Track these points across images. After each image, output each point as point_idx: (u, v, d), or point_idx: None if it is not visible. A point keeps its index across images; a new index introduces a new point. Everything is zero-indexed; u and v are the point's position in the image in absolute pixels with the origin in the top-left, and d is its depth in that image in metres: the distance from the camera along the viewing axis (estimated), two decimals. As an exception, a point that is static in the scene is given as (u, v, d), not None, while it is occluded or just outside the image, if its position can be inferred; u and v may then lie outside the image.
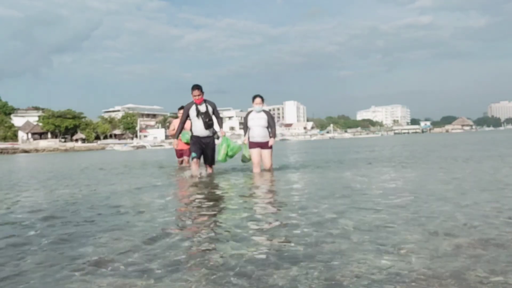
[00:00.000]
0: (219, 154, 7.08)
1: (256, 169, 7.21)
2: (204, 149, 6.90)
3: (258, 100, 7.27)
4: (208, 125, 6.79)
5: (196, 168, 6.72)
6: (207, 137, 6.92)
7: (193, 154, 6.78)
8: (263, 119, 7.25)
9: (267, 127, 7.28)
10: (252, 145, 7.29)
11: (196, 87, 6.71)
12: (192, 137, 6.91)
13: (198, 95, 6.72)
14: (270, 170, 7.23)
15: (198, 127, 6.85)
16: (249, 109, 7.53)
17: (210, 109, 6.84)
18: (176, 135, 7.31)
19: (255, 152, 7.25)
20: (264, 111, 7.33)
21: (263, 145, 7.24)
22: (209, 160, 7.09)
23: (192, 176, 6.58)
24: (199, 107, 6.78)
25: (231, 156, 7.26)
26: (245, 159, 7.60)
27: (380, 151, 14.40)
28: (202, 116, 6.76)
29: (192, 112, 6.82)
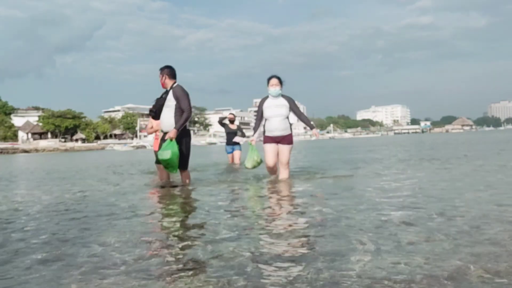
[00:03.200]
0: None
1: (271, 170, 5.79)
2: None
3: (274, 81, 5.64)
4: (150, 112, 5.53)
5: (162, 174, 5.62)
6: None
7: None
8: (283, 107, 5.62)
9: (288, 118, 5.71)
10: (267, 139, 5.71)
11: (160, 68, 5.45)
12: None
13: (160, 78, 5.42)
14: (287, 169, 5.81)
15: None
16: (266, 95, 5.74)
17: (171, 99, 5.30)
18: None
19: (270, 149, 5.67)
20: (284, 96, 5.70)
21: (283, 140, 5.69)
22: (181, 164, 5.31)
23: (161, 186, 5.50)
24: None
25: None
26: (248, 165, 6.06)
27: (381, 151, 14.40)
28: (154, 103, 5.49)
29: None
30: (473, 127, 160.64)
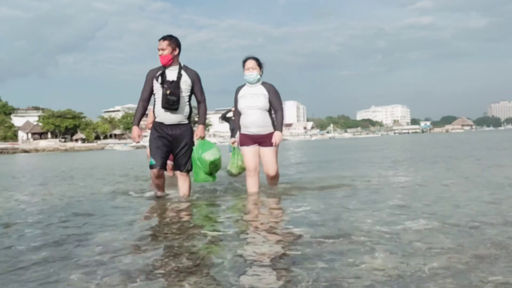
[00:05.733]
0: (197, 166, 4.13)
1: (251, 182, 4.40)
2: (171, 146, 4.11)
3: (250, 63, 4.28)
4: (168, 101, 3.91)
5: (158, 184, 4.24)
6: (177, 125, 4.07)
7: (151, 162, 4.05)
8: (261, 96, 4.25)
9: (269, 111, 4.34)
10: (244, 140, 4.36)
11: (165, 37, 3.99)
12: (154, 125, 4.15)
13: (163, 50, 3.95)
14: (276, 179, 4.56)
15: (159, 106, 4.04)
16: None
17: (187, 81, 4.03)
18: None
19: (249, 153, 4.34)
20: (265, 83, 4.34)
21: (263, 140, 4.30)
22: (183, 165, 4.17)
23: (157, 196, 4.33)
24: (167, 72, 4.00)
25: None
26: (233, 171, 4.56)
27: (380, 151, 14.39)
28: (166, 86, 3.93)
29: (156, 80, 4.03)
30: (473, 127, 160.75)
